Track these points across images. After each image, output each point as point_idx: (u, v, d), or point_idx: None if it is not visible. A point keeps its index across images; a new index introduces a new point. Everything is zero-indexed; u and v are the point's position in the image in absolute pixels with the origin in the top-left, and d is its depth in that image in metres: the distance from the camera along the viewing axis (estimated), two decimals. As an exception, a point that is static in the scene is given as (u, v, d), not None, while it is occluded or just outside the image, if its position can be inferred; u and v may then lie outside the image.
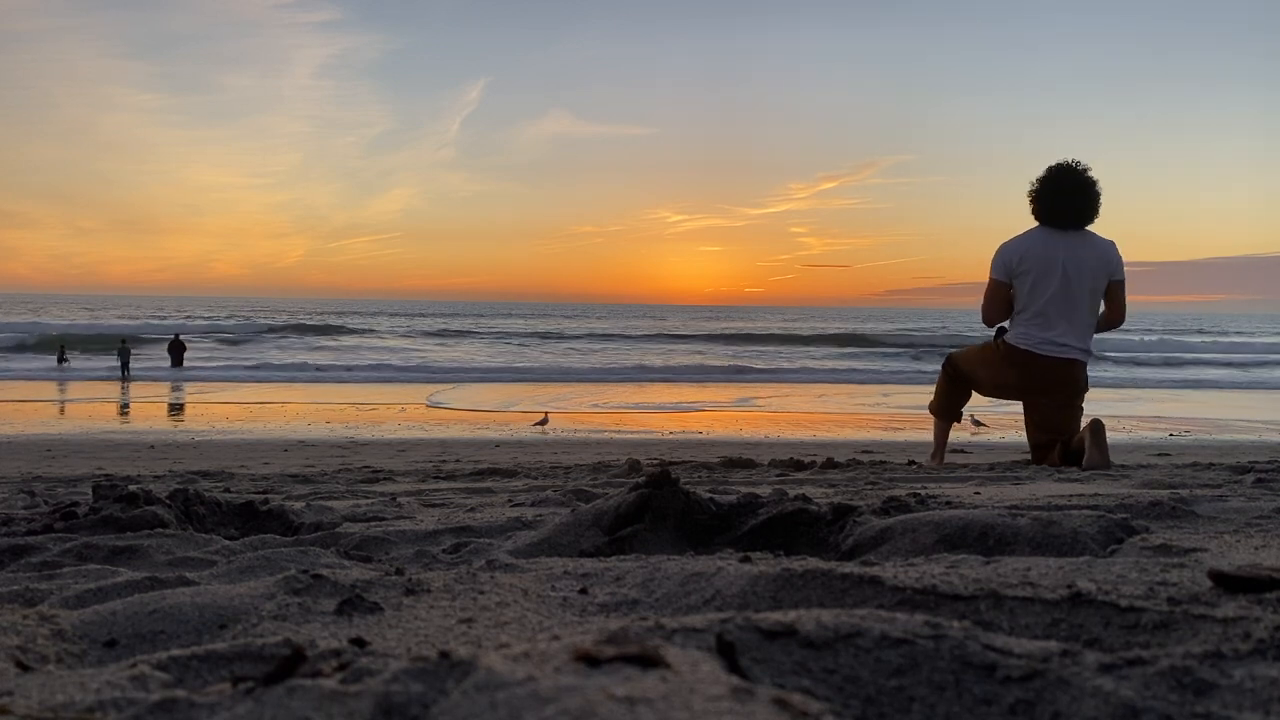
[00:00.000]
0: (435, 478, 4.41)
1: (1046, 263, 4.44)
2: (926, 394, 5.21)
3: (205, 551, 1.77)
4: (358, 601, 1.12)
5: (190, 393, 17.54)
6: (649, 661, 0.64)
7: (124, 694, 0.76)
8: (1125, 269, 4.57)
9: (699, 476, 3.95)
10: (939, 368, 5.13)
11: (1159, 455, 6.53)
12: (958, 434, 5.11)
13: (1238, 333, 51.50)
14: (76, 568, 1.58)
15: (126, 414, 13.45)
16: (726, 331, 42.74)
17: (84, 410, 14.03)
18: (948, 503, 2.19)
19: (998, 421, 10.97)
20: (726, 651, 0.74)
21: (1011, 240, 4.57)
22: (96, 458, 7.28)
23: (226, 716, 0.64)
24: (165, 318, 48.37)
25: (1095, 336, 4.62)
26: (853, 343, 35.74)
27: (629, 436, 10.21)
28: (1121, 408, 14.01)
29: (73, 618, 1.08)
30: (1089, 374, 4.68)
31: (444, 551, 1.83)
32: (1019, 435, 8.47)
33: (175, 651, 0.90)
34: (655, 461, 5.31)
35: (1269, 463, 3.89)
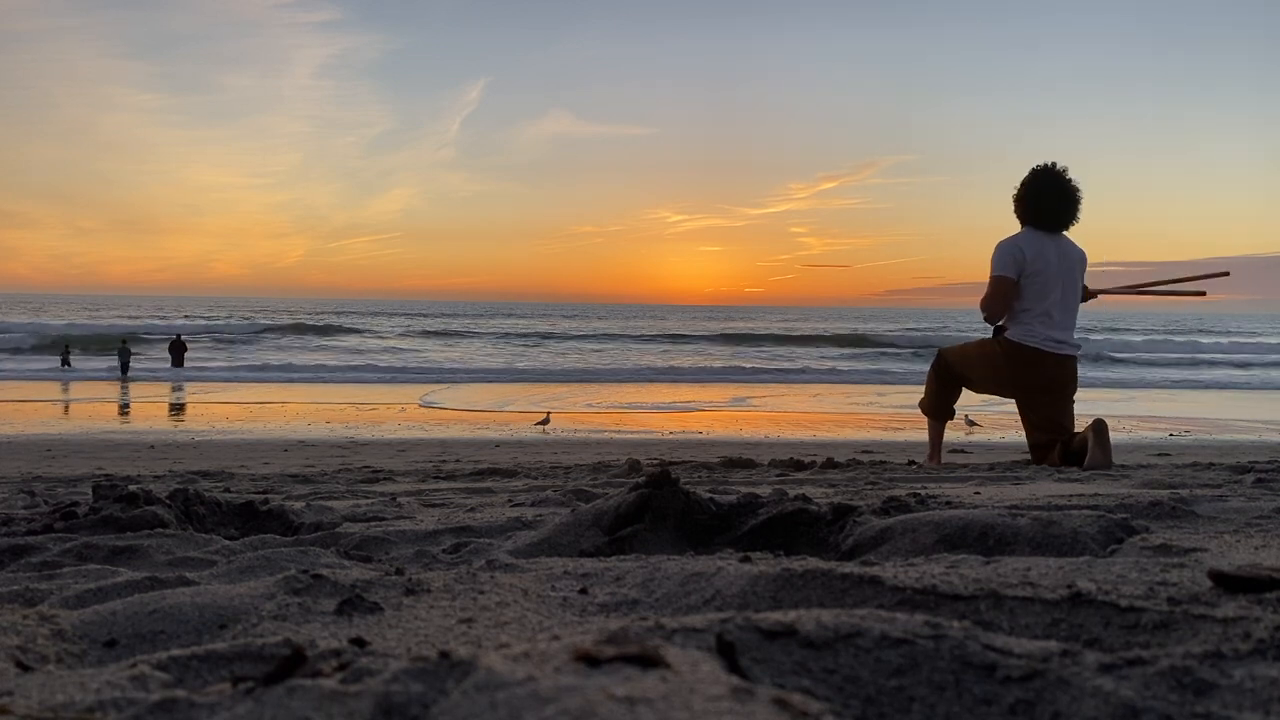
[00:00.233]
0: (435, 478, 4.41)
1: (1049, 263, 4.53)
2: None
3: (205, 551, 1.77)
4: (358, 601, 1.12)
5: (189, 393, 17.55)
6: (649, 661, 0.64)
7: (124, 694, 0.76)
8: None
9: (699, 476, 3.95)
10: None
11: (1159, 455, 6.53)
12: (953, 434, 5.11)
13: (1238, 332, 51.51)
14: (76, 568, 1.58)
15: (126, 414, 13.45)
16: (727, 331, 42.74)
17: (84, 410, 14.04)
18: (948, 503, 2.19)
19: (996, 422, 10.97)
20: (726, 651, 0.74)
21: (1014, 239, 4.59)
22: (96, 458, 7.28)
23: (226, 716, 0.64)
24: (166, 318, 48.38)
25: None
26: (853, 343, 35.74)
27: (629, 436, 10.21)
28: (1121, 408, 14.01)
29: (73, 618, 1.08)
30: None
31: (444, 551, 1.83)
32: (1018, 435, 8.48)
33: (175, 651, 0.90)
34: (655, 461, 5.31)
35: (1269, 463, 3.89)
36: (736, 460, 4.87)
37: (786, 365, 25.77)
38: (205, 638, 1.05)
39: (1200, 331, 52.10)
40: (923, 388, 5.10)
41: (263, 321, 44.42)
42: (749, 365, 25.91)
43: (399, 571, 1.34)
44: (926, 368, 5.20)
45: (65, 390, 17.96)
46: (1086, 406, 4.73)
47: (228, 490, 3.49)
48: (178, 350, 23.53)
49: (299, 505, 2.61)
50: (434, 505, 2.78)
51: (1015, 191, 4.64)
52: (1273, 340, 39.88)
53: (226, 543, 1.85)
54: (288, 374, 22.13)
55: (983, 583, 1.02)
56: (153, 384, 19.49)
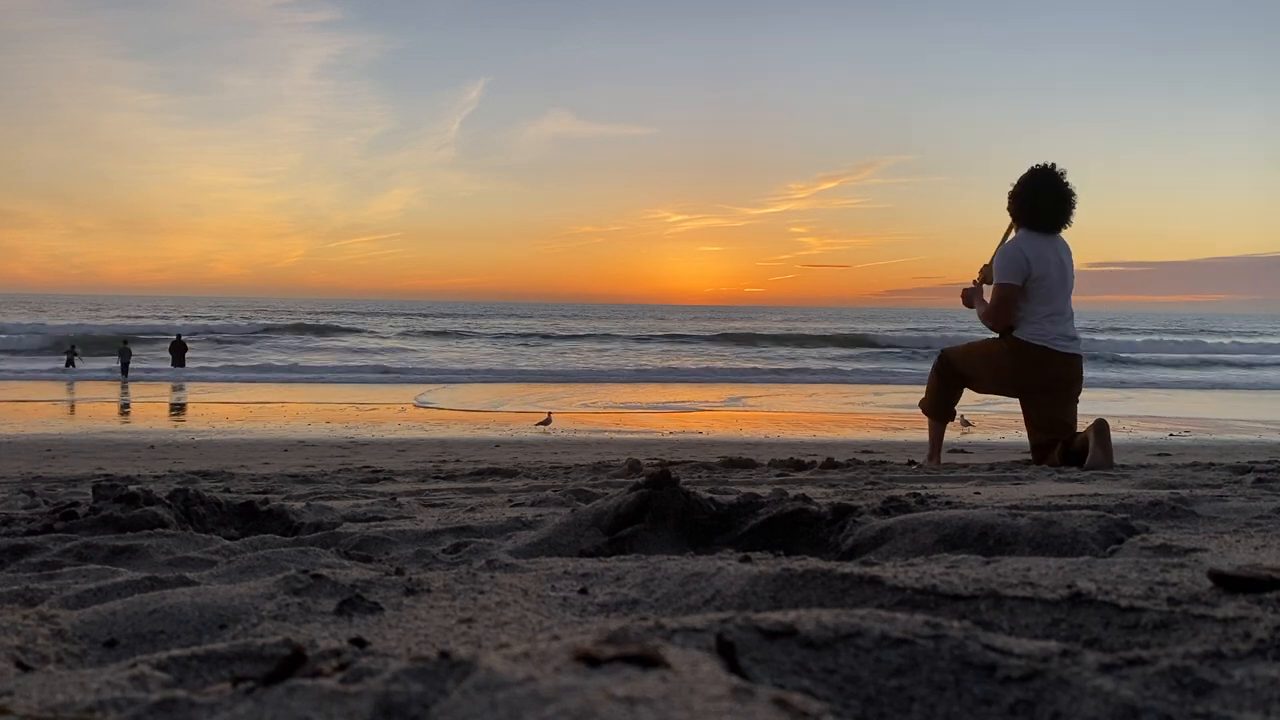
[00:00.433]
0: (435, 478, 4.41)
1: (1052, 264, 4.54)
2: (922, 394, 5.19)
3: (205, 551, 1.77)
4: (358, 601, 1.12)
5: (190, 393, 17.56)
6: (649, 661, 0.64)
7: (124, 694, 0.76)
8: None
9: (699, 476, 3.95)
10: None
11: (1159, 455, 6.53)
12: (950, 434, 5.11)
13: (1239, 332, 51.52)
14: (76, 568, 1.58)
15: (127, 414, 13.45)
16: (727, 332, 42.74)
17: (84, 410, 14.04)
18: (948, 503, 2.19)
19: (996, 422, 10.97)
20: (726, 651, 0.74)
21: (1016, 245, 4.57)
22: (96, 458, 7.28)
23: (226, 716, 0.64)
24: (166, 318, 48.39)
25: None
26: (853, 343, 35.74)
27: (629, 436, 10.21)
28: (1121, 408, 14.00)
29: (73, 618, 1.08)
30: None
31: (444, 551, 1.83)
32: (1017, 435, 8.48)
33: (175, 651, 0.90)
34: (655, 461, 5.31)
35: (1269, 463, 3.89)
36: (736, 460, 4.87)
37: (786, 365, 25.76)
38: (205, 638, 1.05)
39: (1202, 331, 52.12)
40: (922, 387, 5.09)
41: (263, 322, 44.42)
42: (749, 365, 25.92)
43: (399, 571, 1.34)
44: (926, 367, 5.19)
45: (66, 391, 17.97)
46: (1087, 406, 4.72)
47: (228, 490, 3.49)
48: (178, 350, 23.53)
49: (299, 505, 2.61)
50: (434, 505, 2.78)
51: (1011, 189, 4.63)
52: (1272, 340, 39.88)
53: (226, 543, 1.85)
54: (288, 374, 22.12)
55: (983, 583, 1.02)
56: (153, 384, 19.49)
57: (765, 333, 42.30)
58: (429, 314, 70.85)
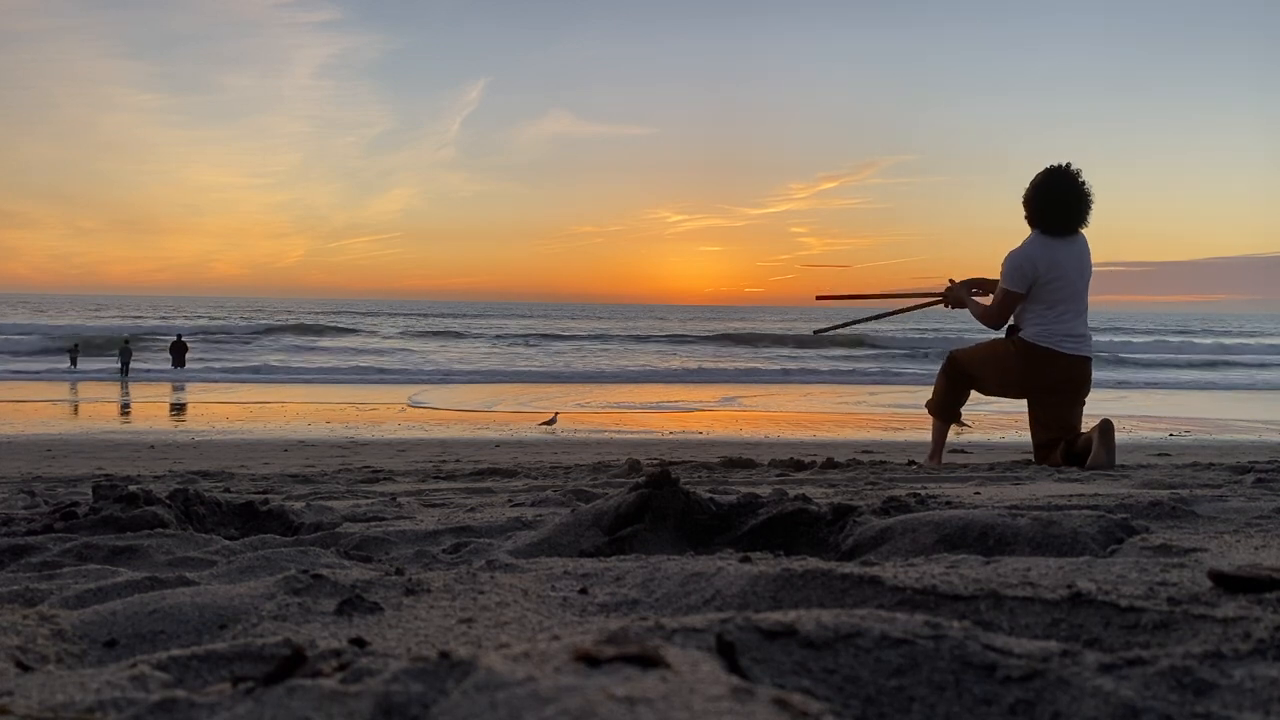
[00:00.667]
0: (435, 478, 4.41)
1: (1062, 267, 4.49)
2: (925, 394, 5.19)
3: (205, 551, 1.77)
4: (358, 601, 1.12)
5: (190, 393, 17.56)
6: (649, 661, 0.64)
7: (124, 694, 0.76)
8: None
9: (699, 476, 3.95)
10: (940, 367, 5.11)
11: (1159, 455, 6.53)
12: (949, 433, 5.12)
13: (1239, 332, 51.53)
14: (76, 568, 1.58)
15: (127, 414, 13.45)
16: (727, 332, 42.75)
17: (84, 410, 14.04)
18: (948, 503, 2.19)
19: (995, 422, 10.97)
20: (726, 651, 0.74)
21: (1025, 251, 4.53)
22: (96, 458, 7.28)
23: (226, 716, 0.64)
24: (167, 318, 48.40)
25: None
26: (853, 343, 35.73)
27: (629, 436, 10.21)
28: (1121, 408, 14.01)
29: (73, 618, 1.08)
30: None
31: (444, 551, 1.83)
32: (1018, 435, 8.47)
33: (175, 651, 0.90)
34: (655, 461, 5.31)
35: (1269, 463, 3.89)
36: (736, 460, 4.87)
37: (786, 365, 25.76)
38: (205, 638, 1.05)
39: (1205, 331, 52.14)
40: (923, 387, 5.09)
41: (263, 322, 44.43)
42: (749, 366, 25.91)
43: (399, 571, 1.34)
44: (924, 367, 5.19)
45: (67, 390, 17.97)
46: (1087, 406, 4.72)
47: (228, 490, 3.50)
48: (178, 351, 23.54)
49: (299, 505, 2.61)
50: (434, 505, 2.78)
51: (1025, 192, 4.56)
52: (1272, 340, 39.88)
53: (226, 543, 1.85)
54: (287, 375, 22.12)
55: (983, 583, 1.02)
56: (153, 384, 19.49)
57: (765, 333, 42.30)
58: (429, 314, 70.85)
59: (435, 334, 41.21)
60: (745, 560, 1.37)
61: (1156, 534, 1.70)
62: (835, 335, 4.90)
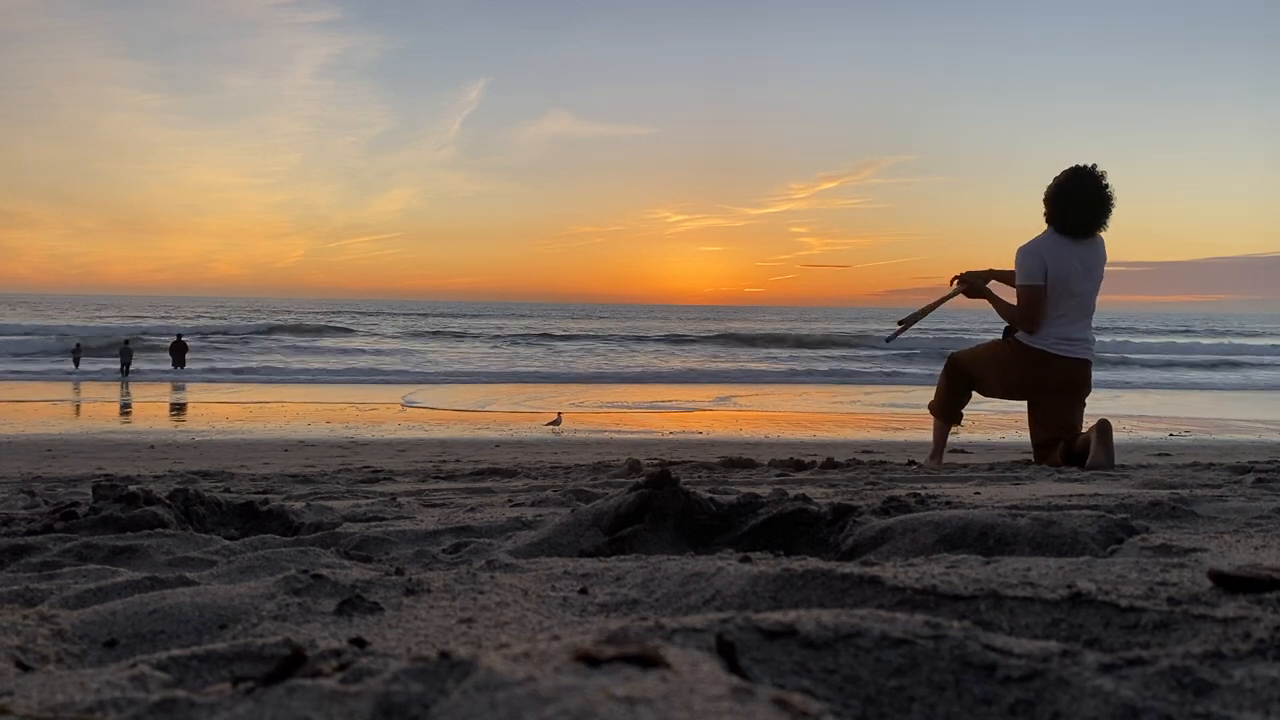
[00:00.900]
0: (435, 478, 4.41)
1: (1068, 268, 4.45)
2: (925, 395, 5.20)
3: (205, 551, 1.77)
4: (358, 601, 1.12)
5: (190, 393, 17.56)
6: (649, 661, 0.64)
7: (124, 694, 0.76)
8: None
9: (699, 476, 3.95)
10: (940, 369, 5.10)
11: (1159, 455, 6.53)
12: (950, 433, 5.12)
13: (1239, 332, 51.52)
14: (76, 568, 1.58)
15: (127, 414, 13.45)
16: (727, 332, 42.75)
17: (84, 410, 14.04)
18: (948, 503, 2.19)
19: (996, 422, 10.97)
20: (726, 651, 0.74)
21: (1036, 246, 4.49)
22: (96, 458, 7.27)
23: (226, 716, 0.64)
24: (167, 318, 48.42)
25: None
26: (853, 343, 35.74)
27: (629, 436, 10.21)
28: (1121, 408, 14.00)
29: (73, 618, 1.08)
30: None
31: (444, 551, 1.83)
32: (1018, 435, 8.47)
33: (175, 651, 0.90)
34: (655, 461, 5.31)
35: (1269, 463, 3.89)
36: (736, 460, 4.87)
37: (785, 365, 25.78)
38: (205, 638, 1.05)
39: (1206, 331, 52.14)
40: (922, 387, 5.09)
41: (263, 322, 44.44)
42: (749, 366, 25.92)
43: (399, 571, 1.34)
44: (924, 368, 5.19)
45: (67, 391, 17.96)
46: (1088, 406, 4.72)
47: (228, 490, 3.49)
48: (179, 351, 23.54)
49: (299, 505, 2.61)
50: (434, 505, 2.78)
51: (1046, 189, 4.49)
52: (1273, 341, 39.86)
53: (226, 543, 1.85)
54: (287, 375, 22.12)
55: (983, 583, 1.02)
56: (153, 384, 19.49)
57: (765, 333, 42.31)
58: (429, 314, 70.86)
59: (435, 334, 41.21)
60: (745, 560, 1.37)
61: (1156, 534, 1.70)
62: (901, 337, 5.03)
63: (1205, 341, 39.22)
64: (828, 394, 18.31)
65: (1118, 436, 4.41)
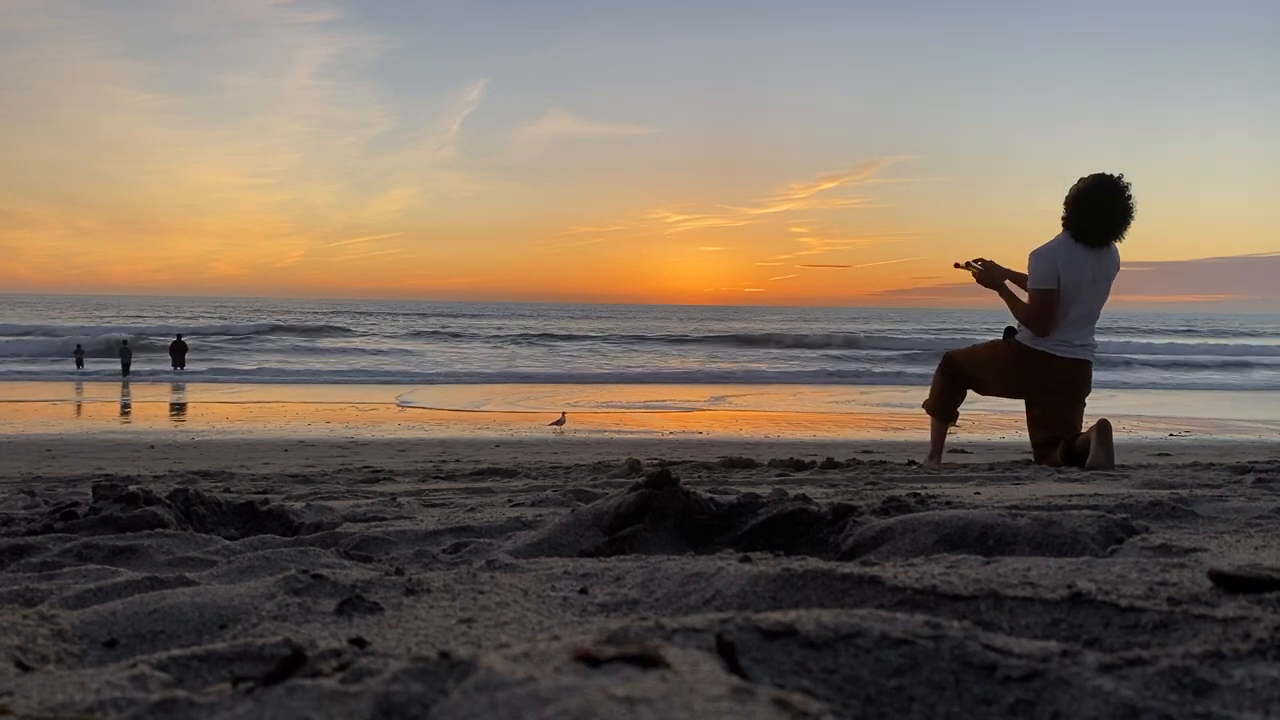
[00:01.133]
0: (435, 478, 4.41)
1: (1080, 277, 4.42)
2: (924, 395, 5.19)
3: (205, 551, 1.77)
4: (358, 601, 1.12)
5: (190, 393, 17.55)
6: (649, 661, 0.64)
7: (124, 694, 0.76)
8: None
9: (699, 476, 3.95)
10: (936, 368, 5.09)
11: (1159, 455, 6.53)
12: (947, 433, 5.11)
13: (1240, 332, 51.52)
14: (76, 568, 1.58)
15: (127, 414, 13.45)
16: (727, 332, 42.75)
17: (84, 410, 14.04)
18: (948, 503, 2.19)
19: (996, 422, 10.97)
20: (726, 651, 0.74)
21: (1049, 249, 4.46)
22: (96, 458, 7.28)
23: (226, 716, 0.64)
24: (168, 317, 48.42)
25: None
26: (852, 344, 35.74)
27: (629, 436, 10.21)
28: (1121, 408, 14.00)
29: (73, 618, 1.08)
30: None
31: (444, 551, 1.83)
32: (1017, 435, 8.47)
33: (175, 651, 0.90)
34: (655, 461, 5.31)
35: (1269, 463, 3.89)
36: (736, 460, 4.87)
37: (786, 366, 25.78)
38: (205, 638, 1.05)
39: (1208, 331, 52.14)
40: (922, 387, 5.08)
41: (263, 322, 44.44)
42: (749, 366, 25.92)
43: (399, 571, 1.34)
44: (925, 369, 5.19)
45: (67, 391, 17.96)
46: (1088, 406, 4.72)
47: (228, 490, 3.49)
48: (178, 351, 23.54)
49: (299, 505, 2.61)
50: (434, 505, 2.78)
51: (1068, 192, 4.45)
52: (1273, 341, 39.86)
53: (226, 543, 1.85)
54: (287, 375, 22.12)
55: (983, 583, 1.02)
56: (153, 384, 19.49)
57: (765, 333, 42.30)
58: (429, 314, 70.85)
59: (437, 334, 41.22)
60: (745, 560, 1.37)
61: (1156, 534, 1.70)
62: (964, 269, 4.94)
63: (1211, 342, 39.20)
64: (827, 394, 18.31)
65: (1118, 436, 4.40)
